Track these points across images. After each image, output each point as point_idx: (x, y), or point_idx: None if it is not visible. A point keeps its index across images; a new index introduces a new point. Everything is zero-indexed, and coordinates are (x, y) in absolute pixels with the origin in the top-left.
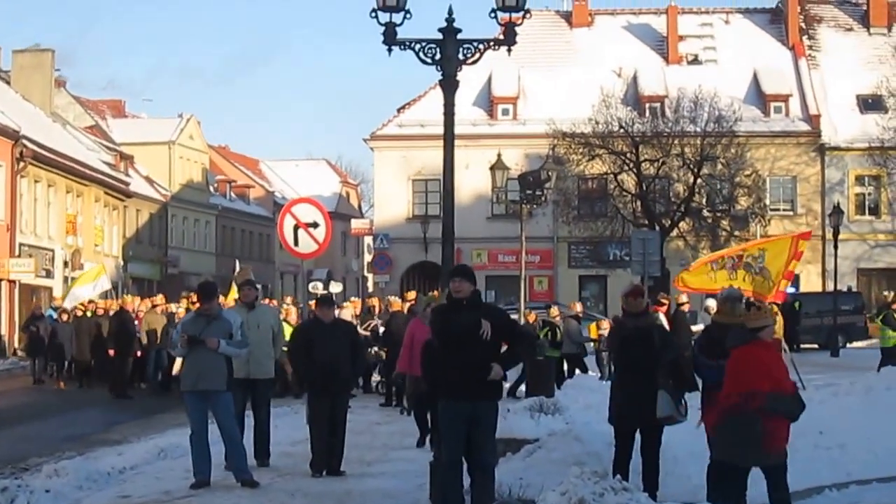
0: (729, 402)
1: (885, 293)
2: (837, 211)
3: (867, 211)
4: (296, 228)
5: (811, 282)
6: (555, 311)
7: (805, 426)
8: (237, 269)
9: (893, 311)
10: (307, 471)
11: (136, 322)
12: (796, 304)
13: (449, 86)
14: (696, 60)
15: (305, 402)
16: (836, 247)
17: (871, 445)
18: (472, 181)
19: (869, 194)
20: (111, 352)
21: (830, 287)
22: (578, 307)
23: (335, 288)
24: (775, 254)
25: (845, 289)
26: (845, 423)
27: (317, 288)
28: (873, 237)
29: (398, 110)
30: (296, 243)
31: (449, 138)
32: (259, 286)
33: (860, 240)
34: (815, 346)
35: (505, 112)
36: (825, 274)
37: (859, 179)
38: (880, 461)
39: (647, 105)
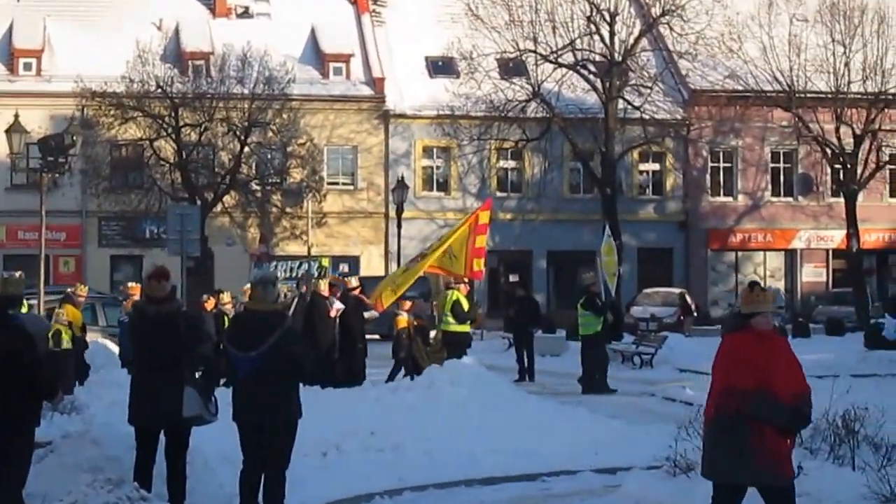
0: (713, 402)
1: (586, 275)
2: (402, 185)
3: (435, 186)
4: None
5: (373, 264)
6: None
7: (355, 426)
8: None
9: (594, 293)
10: None
11: None
12: None
13: None
14: (246, 13)
15: None
16: (399, 226)
17: (428, 447)
18: None
19: (438, 168)
20: None
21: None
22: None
23: None
24: (457, 233)
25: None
26: (401, 421)
27: None
28: (442, 215)
29: None
30: None
31: None
32: None
33: (428, 218)
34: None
35: (27, 67)
36: (388, 256)
37: (427, 151)
38: (437, 465)
39: (191, 63)
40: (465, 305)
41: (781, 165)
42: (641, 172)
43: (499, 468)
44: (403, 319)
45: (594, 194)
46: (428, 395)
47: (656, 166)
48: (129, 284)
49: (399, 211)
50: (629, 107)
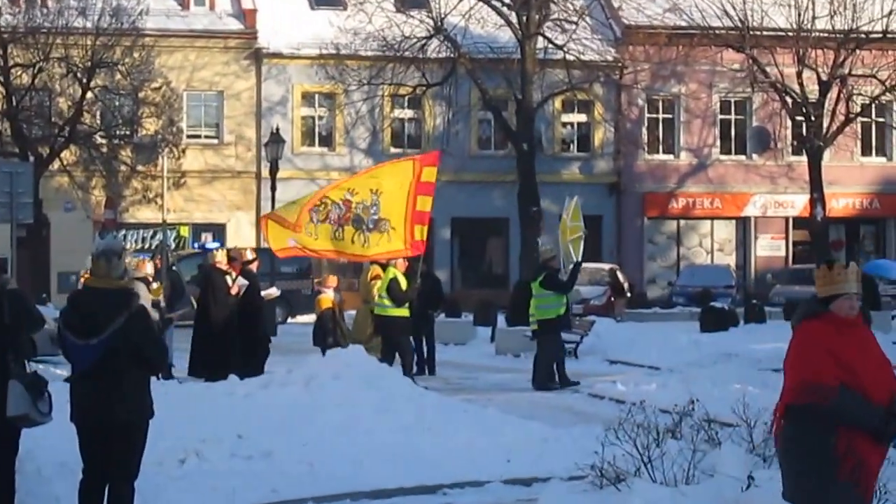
0: (786, 402)
1: (543, 247)
2: (277, 139)
3: (317, 140)
4: None
5: (242, 234)
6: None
7: (220, 428)
8: None
9: (554, 269)
10: None
11: None
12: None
13: None
14: None
15: None
16: (273, 188)
17: (307, 454)
18: None
19: (320, 118)
20: None
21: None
22: None
23: None
24: (394, 194)
25: (204, 244)
26: (275, 423)
27: None
28: (325, 175)
29: None
30: None
31: None
32: None
33: (308, 178)
34: None
35: None
36: (260, 224)
37: (307, 98)
38: (317, 475)
39: None
40: (404, 284)
41: (732, 117)
42: (565, 125)
43: (391, 479)
44: (327, 299)
45: (507, 150)
46: (307, 391)
47: (582, 117)
48: None
49: (273, 170)
50: (550, 46)
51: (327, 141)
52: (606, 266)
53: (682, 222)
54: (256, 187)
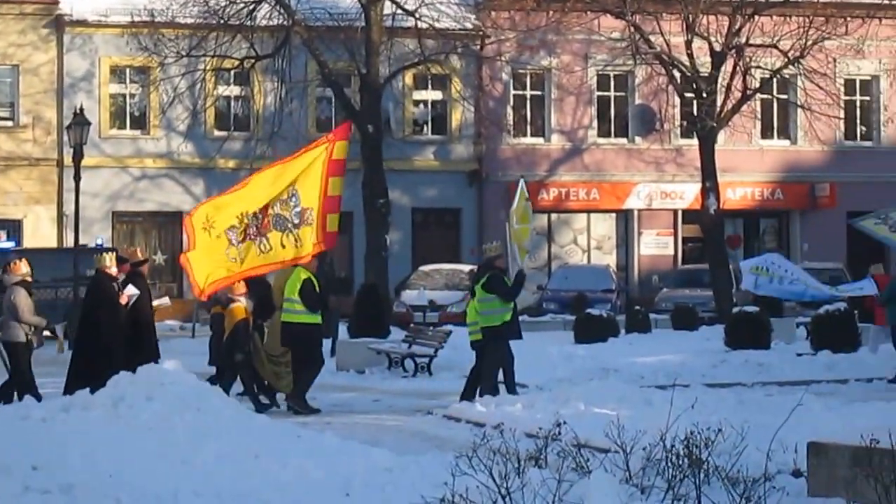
0: None
1: (488, 245)
2: (82, 121)
3: (129, 122)
4: None
5: (42, 232)
6: None
7: (11, 458)
8: None
9: (500, 270)
10: None
11: None
12: None
13: None
14: None
15: None
16: (78, 177)
17: (114, 488)
18: None
19: (132, 96)
20: None
21: (73, 241)
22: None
23: None
24: (310, 179)
25: (96, 243)
26: (77, 452)
27: None
28: (138, 162)
29: None
30: None
31: None
32: None
33: (118, 166)
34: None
35: None
36: (63, 220)
37: (117, 73)
38: None
39: None
40: (318, 286)
41: (612, 94)
42: (417, 104)
43: None
44: (241, 308)
45: (351, 133)
46: (115, 414)
47: (437, 95)
48: None
49: (77, 156)
50: (399, 12)
51: (140, 122)
52: (466, 267)
53: (554, 216)
54: (58, 177)
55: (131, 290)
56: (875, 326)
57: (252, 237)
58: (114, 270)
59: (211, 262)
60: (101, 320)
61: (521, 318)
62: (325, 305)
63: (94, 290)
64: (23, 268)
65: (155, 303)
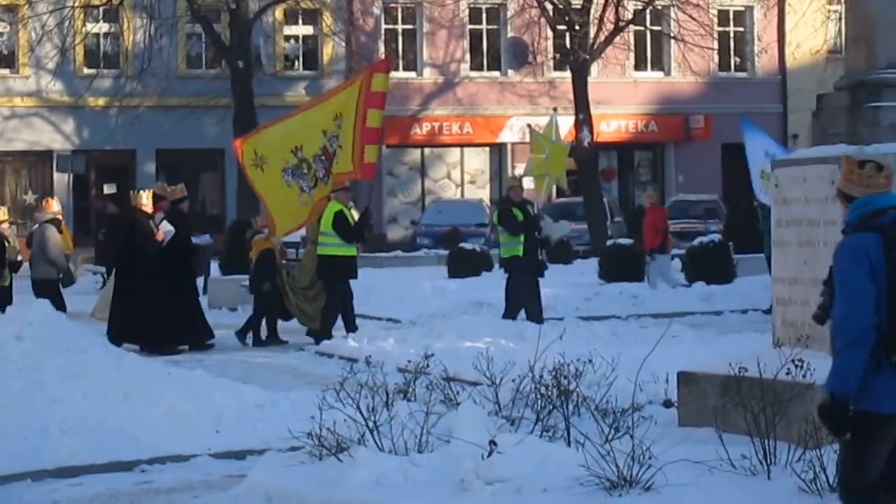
0: None
1: (511, 175)
2: None
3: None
4: None
5: None
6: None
7: None
8: None
9: (512, 203)
10: None
11: None
12: None
13: None
14: None
15: None
16: None
17: None
18: None
19: (1, 34)
20: None
21: None
22: None
23: None
24: (349, 108)
25: None
26: None
27: None
28: (7, 102)
29: None
30: None
31: None
32: None
33: None
34: None
35: None
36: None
37: None
38: None
39: None
40: (351, 218)
41: (484, 27)
42: (287, 39)
43: (80, 454)
44: (264, 240)
45: (221, 70)
46: None
47: (308, 30)
48: None
49: None
50: None
51: (9, 61)
52: None
53: (427, 150)
54: None
55: (166, 227)
56: (660, 256)
57: (323, 179)
58: (149, 208)
59: (287, 213)
60: (140, 256)
61: (393, 253)
62: (361, 237)
63: (130, 228)
64: (54, 206)
65: (194, 240)
